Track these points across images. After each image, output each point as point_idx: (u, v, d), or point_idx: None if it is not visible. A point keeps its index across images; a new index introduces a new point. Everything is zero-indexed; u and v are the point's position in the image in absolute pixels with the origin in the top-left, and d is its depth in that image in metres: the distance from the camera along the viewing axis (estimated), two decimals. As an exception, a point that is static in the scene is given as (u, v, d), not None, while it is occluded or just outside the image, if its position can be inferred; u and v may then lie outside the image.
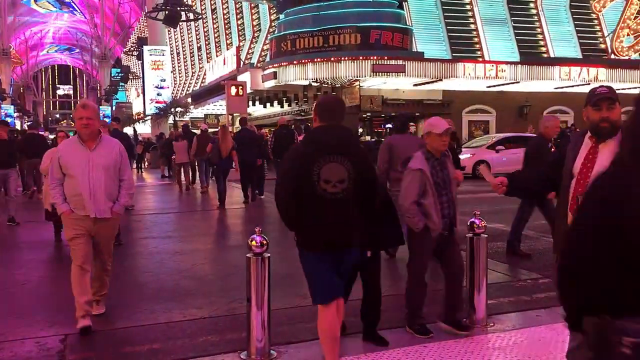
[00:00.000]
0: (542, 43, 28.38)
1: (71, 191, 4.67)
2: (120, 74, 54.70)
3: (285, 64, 24.66)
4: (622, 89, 24.88)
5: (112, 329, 4.68)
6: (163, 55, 45.22)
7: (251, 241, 3.91)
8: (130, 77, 51.71)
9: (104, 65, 71.85)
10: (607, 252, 1.57)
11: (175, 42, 51.53)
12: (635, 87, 24.36)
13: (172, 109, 37.73)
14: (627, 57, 26.55)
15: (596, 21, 29.38)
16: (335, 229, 3.34)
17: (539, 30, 28.48)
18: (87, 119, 4.61)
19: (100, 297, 4.97)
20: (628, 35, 26.61)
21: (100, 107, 65.42)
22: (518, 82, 25.47)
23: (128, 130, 40.11)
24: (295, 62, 24.22)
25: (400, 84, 25.27)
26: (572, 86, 25.94)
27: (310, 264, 3.42)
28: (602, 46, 28.95)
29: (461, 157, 19.05)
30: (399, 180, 4.64)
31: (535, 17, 28.51)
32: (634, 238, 1.48)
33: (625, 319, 1.57)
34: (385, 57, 23.23)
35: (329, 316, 3.41)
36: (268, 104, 28.66)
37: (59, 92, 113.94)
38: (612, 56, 27.12)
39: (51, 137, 33.69)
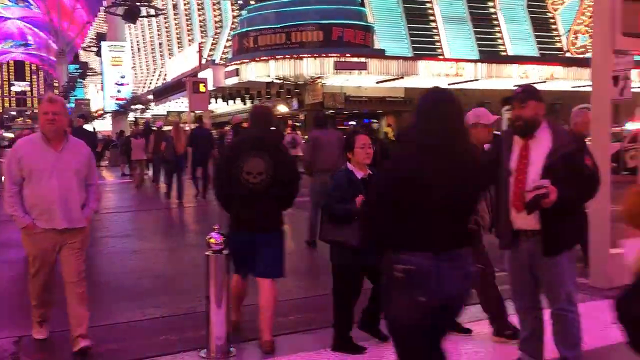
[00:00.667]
0: (500, 42, 28.94)
1: (34, 200, 4.01)
2: (78, 70, 53.49)
3: (247, 61, 24.51)
4: (578, 86, 25.60)
5: (68, 330, 4.59)
6: (123, 51, 44.39)
7: (209, 239, 3.90)
8: (88, 73, 50.62)
9: (62, 61, 69.99)
10: (386, 204, 2.41)
11: (136, 38, 50.66)
12: (590, 85, 25.00)
13: (133, 106, 37.11)
14: (582, 56, 27.29)
15: (552, 20, 30.11)
16: (251, 214, 4.02)
17: (497, 29, 29.02)
18: (53, 114, 3.98)
19: (79, 335, 4.06)
20: (583, 34, 27.36)
21: (58, 104, 63.83)
22: (478, 80, 25.91)
23: (87, 127, 39.26)
24: (257, 59, 24.10)
25: (363, 82, 25.41)
26: (530, 84, 26.48)
27: (231, 242, 3.99)
28: (558, 45, 29.70)
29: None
30: (324, 171, 5.57)
31: (494, 16, 29.04)
32: (403, 194, 2.35)
33: (401, 253, 2.34)
34: (348, 55, 23.31)
35: (233, 282, 4.25)
36: (230, 101, 28.45)
37: (15, 88, 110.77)
38: (568, 54, 27.84)
39: (9, 135, 32.72)
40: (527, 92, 3.30)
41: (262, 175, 3.98)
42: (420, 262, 2.32)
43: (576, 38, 27.45)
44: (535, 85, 3.74)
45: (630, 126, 16.12)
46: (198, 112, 16.65)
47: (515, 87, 3.37)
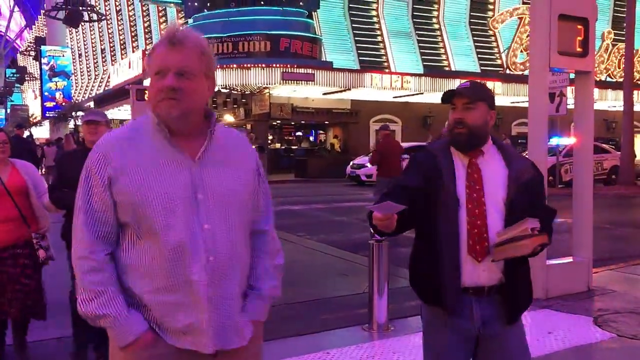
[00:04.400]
0: (444, 57, 29.71)
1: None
2: (15, 75, 51.56)
3: (193, 69, 24.20)
4: (517, 102, 26.56)
5: (-2, 347, 4.37)
6: (63, 56, 43.09)
7: None
8: (26, 78, 48.84)
9: (-2, 65, 67.36)
10: None
11: (77, 43, 49.25)
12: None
13: (73, 113, 36.00)
14: (520, 73, 28.30)
15: (493, 38, 31.16)
16: None
17: (441, 44, 29.79)
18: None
19: None
20: (521, 51, 28.40)
21: (-7, 109, 61.30)
22: (422, 94, 26.48)
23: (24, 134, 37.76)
24: (204, 67, 23.84)
25: (310, 93, 25.54)
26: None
27: None
28: (498, 61, 30.73)
29: (368, 165, 19.63)
30: None
31: (438, 32, 29.80)
32: None
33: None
34: (295, 66, 23.40)
35: None
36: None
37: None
38: (507, 71, 28.83)
39: None
40: (477, 90, 2.37)
41: None
42: None
43: (515, 55, 28.48)
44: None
45: (565, 141, 16.81)
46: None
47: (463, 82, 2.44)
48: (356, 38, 27.67)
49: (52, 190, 4.00)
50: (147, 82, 24.25)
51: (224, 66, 23.43)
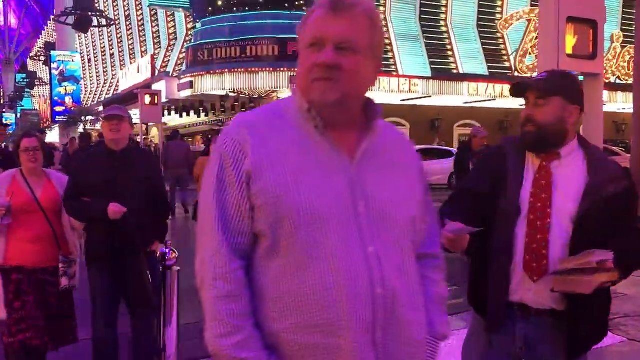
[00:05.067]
0: (452, 59, 29.65)
1: None
2: (25, 80, 51.93)
3: (202, 73, 24.31)
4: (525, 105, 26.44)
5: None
6: (73, 61, 43.35)
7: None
8: (37, 83, 49.17)
9: (8, 70, 67.94)
10: None
11: (87, 48, 49.57)
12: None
13: (83, 117, 36.22)
14: (529, 75, 28.21)
15: (501, 40, 31.06)
16: None
17: (449, 47, 29.74)
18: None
19: None
20: (530, 54, 28.30)
21: (4, 114, 61.72)
22: (430, 97, 26.44)
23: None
24: (212, 71, 23.94)
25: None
26: (480, 101, 27.28)
27: None
28: (507, 64, 30.63)
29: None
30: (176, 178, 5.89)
31: (446, 35, 29.75)
32: None
33: None
34: (303, 69, 23.41)
35: None
36: (184, 114, 28.13)
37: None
38: (516, 74, 28.74)
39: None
40: (551, 82, 2.06)
41: None
42: None
43: (523, 58, 28.40)
44: (571, 74, 2.30)
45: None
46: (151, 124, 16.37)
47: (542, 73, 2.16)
48: (364, 41, 27.70)
49: (68, 199, 3.58)
50: (156, 86, 24.18)
51: (232, 70, 23.50)
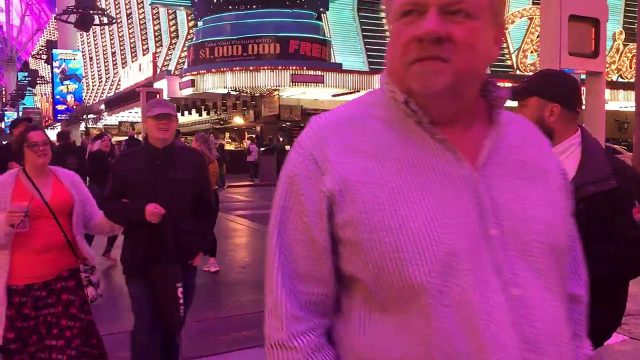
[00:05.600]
0: (453, 58, 29.62)
1: None
2: (27, 78, 51.97)
3: (203, 71, 24.32)
4: (527, 103, 26.42)
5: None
6: (74, 59, 43.38)
7: None
8: (38, 81, 49.19)
9: (10, 68, 68.01)
10: None
11: (88, 47, 49.60)
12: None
13: (84, 116, 36.25)
14: (531, 73, 28.16)
15: (503, 38, 31.03)
16: None
17: (451, 45, 29.72)
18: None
19: None
20: (532, 52, 28.26)
21: (6, 112, 61.79)
22: (431, 95, 26.43)
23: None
24: (213, 70, 23.95)
25: (319, 94, 25.56)
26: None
27: None
28: (508, 62, 30.60)
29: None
30: None
31: (448, 33, 29.74)
32: None
33: None
34: (305, 68, 23.43)
35: None
36: (186, 112, 28.15)
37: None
38: (517, 72, 28.70)
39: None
40: (528, 83, 2.09)
41: None
42: None
43: (525, 56, 28.36)
44: (559, 72, 2.30)
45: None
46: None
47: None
48: (366, 40, 27.67)
49: (107, 200, 3.32)
50: (157, 85, 24.23)
51: (234, 68, 23.50)
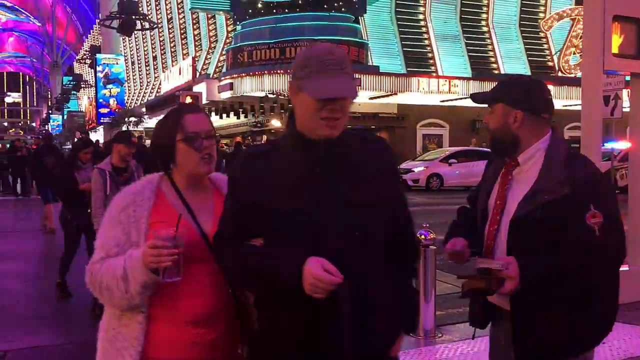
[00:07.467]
0: (492, 60, 29.20)
1: None
2: (72, 82, 53.46)
3: (241, 75, 24.60)
4: (569, 105, 25.84)
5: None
6: (117, 64, 44.43)
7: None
8: (82, 85, 50.56)
9: (56, 72, 70.10)
10: None
11: (130, 51, 50.75)
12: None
13: (126, 119, 37.07)
14: (573, 75, 27.56)
15: (544, 39, 30.44)
16: None
17: (489, 47, 29.31)
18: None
19: None
20: (574, 54, 27.66)
21: (51, 115, 63.67)
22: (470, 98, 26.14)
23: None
24: (251, 73, 24.20)
25: (357, 97, 25.54)
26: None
27: None
28: (550, 64, 30.01)
29: (415, 169, 19.48)
30: None
31: (487, 35, 29.33)
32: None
33: None
34: (342, 71, 23.45)
35: None
36: (224, 115, 28.51)
37: (8, 99, 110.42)
38: (559, 74, 28.12)
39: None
40: (495, 90, 2.08)
41: None
42: None
43: (567, 57, 27.77)
44: (527, 78, 2.35)
45: (620, 145, 16.27)
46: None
47: None
48: (403, 42, 27.53)
49: (221, 239, 1.68)
50: (197, 88, 24.60)
51: (271, 72, 23.71)
